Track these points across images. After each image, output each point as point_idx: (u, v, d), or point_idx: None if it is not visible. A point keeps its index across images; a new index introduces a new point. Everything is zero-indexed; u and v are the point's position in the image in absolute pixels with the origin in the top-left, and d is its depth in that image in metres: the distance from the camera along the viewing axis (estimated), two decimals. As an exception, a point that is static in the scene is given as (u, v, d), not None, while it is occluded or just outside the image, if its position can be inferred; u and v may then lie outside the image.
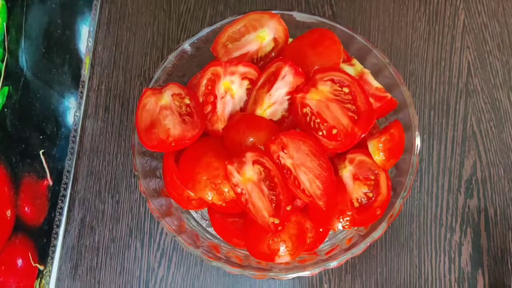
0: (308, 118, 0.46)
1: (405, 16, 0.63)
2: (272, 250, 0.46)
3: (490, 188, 0.56)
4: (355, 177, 0.46)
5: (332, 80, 0.46)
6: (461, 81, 0.60)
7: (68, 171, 0.58)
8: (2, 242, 0.46)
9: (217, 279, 0.56)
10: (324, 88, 0.46)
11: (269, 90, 0.47)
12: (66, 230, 0.58)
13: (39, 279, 0.53)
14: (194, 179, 0.46)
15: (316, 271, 0.46)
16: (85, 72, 0.62)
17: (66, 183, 0.58)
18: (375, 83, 0.49)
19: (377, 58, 0.51)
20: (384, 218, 0.46)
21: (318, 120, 0.45)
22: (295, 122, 0.47)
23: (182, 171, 0.48)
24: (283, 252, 0.46)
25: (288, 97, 0.48)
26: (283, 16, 0.50)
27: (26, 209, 0.50)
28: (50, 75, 0.55)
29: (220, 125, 0.49)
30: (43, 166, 0.53)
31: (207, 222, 0.52)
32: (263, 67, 0.49)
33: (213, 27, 0.52)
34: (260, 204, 0.44)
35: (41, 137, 0.53)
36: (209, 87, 0.49)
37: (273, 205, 0.44)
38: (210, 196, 0.46)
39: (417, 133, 0.48)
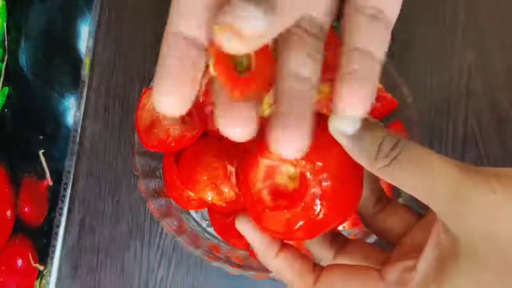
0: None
1: (404, 16, 0.63)
2: (272, 251, 0.46)
3: (491, 189, 0.56)
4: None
5: (333, 80, 0.46)
6: (461, 81, 0.60)
7: (68, 172, 0.58)
8: (2, 242, 0.46)
9: (217, 279, 0.56)
10: (324, 88, 0.46)
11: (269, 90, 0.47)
12: (66, 231, 0.58)
13: (39, 279, 0.53)
14: (194, 179, 0.46)
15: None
16: (85, 72, 0.62)
17: (66, 184, 0.58)
18: (375, 83, 0.49)
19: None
20: (384, 218, 0.46)
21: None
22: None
23: (182, 171, 0.48)
24: (283, 253, 0.46)
25: (288, 97, 0.47)
26: (283, 16, 0.50)
27: (26, 209, 0.50)
28: (50, 75, 0.55)
29: (220, 125, 0.48)
30: (43, 167, 0.53)
31: (207, 222, 0.52)
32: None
33: (213, 27, 0.52)
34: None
35: (41, 137, 0.53)
36: (209, 87, 0.49)
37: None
38: (210, 196, 0.46)
39: (417, 133, 0.48)
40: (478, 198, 0.21)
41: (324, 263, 0.28)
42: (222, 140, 0.48)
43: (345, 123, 0.24)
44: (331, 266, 0.26)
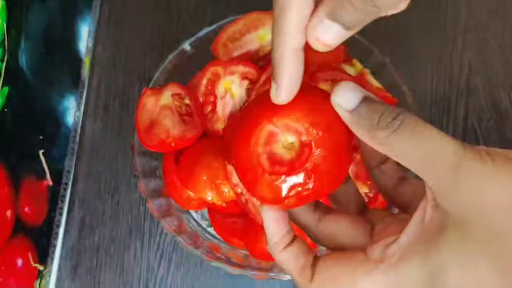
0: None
1: (406, 16, 0.62)
2: (272, 250, 0.46)
3: (491, 188, 0.56)
4: (355, 177, 0.46)
5: (334, 80, 0.46)
6: (461, 80, 0.60)
7: (68, 171, 0.58)
8: (2, 242, 0.46)
9: (217, 279, 0.56)
10: (325, 88, 0.46)
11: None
12: (66, 230, 0.58)
13: (39, 279, 0.53)
14: (194, 179, 0.46)
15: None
16: (85, 72, 0.62)
17: (66, 183, 0.58)
18: (375, 83, 0.49)
19: (377, 58, 0.51)
20: (385, 218, 0.46)
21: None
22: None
23: (182, 171, 0.48)
24: (283, 252, 0.45)
25: (288, 97, 0.47)
26: (283, 15, 0.50)
27: (26, 209, 0.50)
28: (50, 75, 0.55)
29: (220, 125, 0.49)
30: (43, 166, 0.53)
31: (207, 222, 0.52)
32: (263, 67, 0.49)
33: (213, 26, 0.52)
34: (260, 204, 0.44)
35: (41, 137, 0.53)
36: (209, 87, 0.49)
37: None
38: (210, 196, 0.46)
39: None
40: (474, 170, 0.22)
41: (308, 228, 0.30)
42: (222, 140, 0.48)
43: (346, 97, 0.25)
44: (324, 255, 0.28)
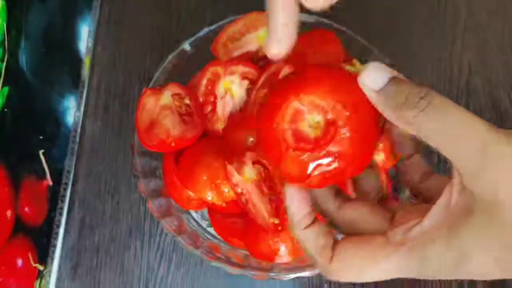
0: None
1: (406, 16, 0.63)
2: (272, 250, 0.46)
3: (491, 188, 0.56)
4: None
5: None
6: (461, 81, 0.60)
7: (68, 171, 0.58)
8: (2, 242, 0.46)
9: (217, 279, 0.56)
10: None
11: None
12: (66, 230, 0.58)
13: (39, 279, 0.53)
14: (194, 179, 0.46)
15: (316, 271, 0.46)
16: (85, 72, 0.62)
17: (66, 183, 0.58)
18: (375, 83, 0.49)
19: (377, 58, 0.51)
20: (385, 218, 0.46)
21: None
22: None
23: (182, 171, 0.48)
24: (283, 252, 0.46)
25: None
26: (283, 16, 0.50)
27: (26, 209, 0.50)
28: (50, 75, 0.55)
29: (220, 125, 0.49)
30: (43, 166, 0.53)
31: (207, 222, 0.52)
32: (263, 67, 0.49)
33: (213, 26, 0.52)
34: (260, 204, 0.44)
35: (41, 137, 0.53)
36: (209, 87, 0.49)
37: (273, 205, 0.44)
38: (210, 196, 0.46)
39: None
40: (504, 151, 0.22)
41: (329, 215, 0.30)
42: (223, 139, 0.48)
43: (373, 76, 0.26)
44: (343, 239, 0.28)
